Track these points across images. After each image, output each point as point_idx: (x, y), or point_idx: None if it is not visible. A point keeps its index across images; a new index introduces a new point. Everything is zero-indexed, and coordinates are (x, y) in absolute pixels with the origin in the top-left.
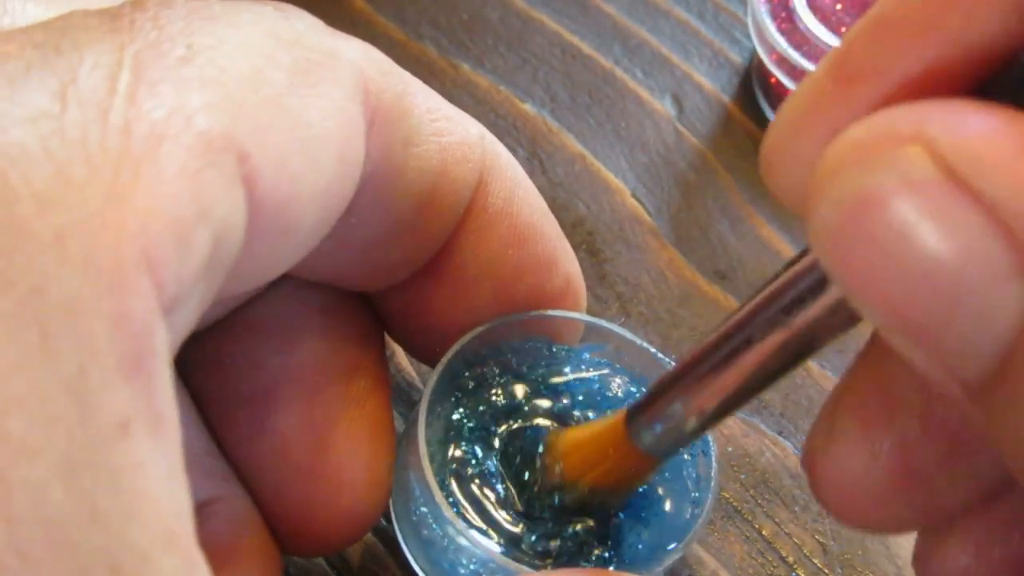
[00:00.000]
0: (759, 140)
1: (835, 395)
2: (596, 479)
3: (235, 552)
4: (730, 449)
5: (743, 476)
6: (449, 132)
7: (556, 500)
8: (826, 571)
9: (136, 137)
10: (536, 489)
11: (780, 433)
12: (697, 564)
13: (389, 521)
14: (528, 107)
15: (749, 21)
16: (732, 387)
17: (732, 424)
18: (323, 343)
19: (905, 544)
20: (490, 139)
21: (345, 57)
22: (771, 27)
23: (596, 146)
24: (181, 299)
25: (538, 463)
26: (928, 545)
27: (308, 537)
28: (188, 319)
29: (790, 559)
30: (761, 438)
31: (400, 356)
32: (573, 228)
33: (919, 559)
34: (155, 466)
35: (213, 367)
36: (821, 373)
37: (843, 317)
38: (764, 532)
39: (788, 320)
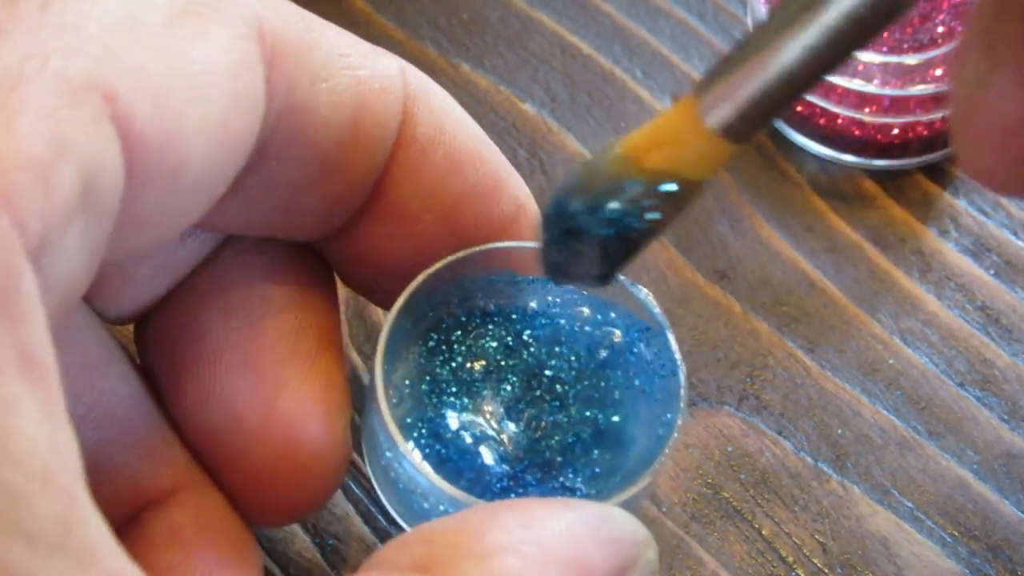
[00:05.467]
0: (758, 140)
1: (981, 19)
2: (663, 159)
3: (206, 543)
4: (730, 449)
5: (743, 476)
6: (363, 66)
7: (610, 199)
8: (826, 571)
9: None
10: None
11: (780, 433)
12: (697, 564)
13: (391, 522)
14: (528, 107)
15: (749, 21)
16: (822, 39)
17: (732, 424)
18: (266, 305)
19: (905, 544)
20: (414, 71)
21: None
22: None
23: (596, 146)
24: (51, 240)
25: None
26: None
27: (271, 503)
28: (70, 264)
29: (790, 559)
30: (761, 438)
31: (375, 311)
32: None
33: None
34: (28, 406)
35: (162, 345)
36: (821, 373)
37: None
38: (764, 532)
39: None
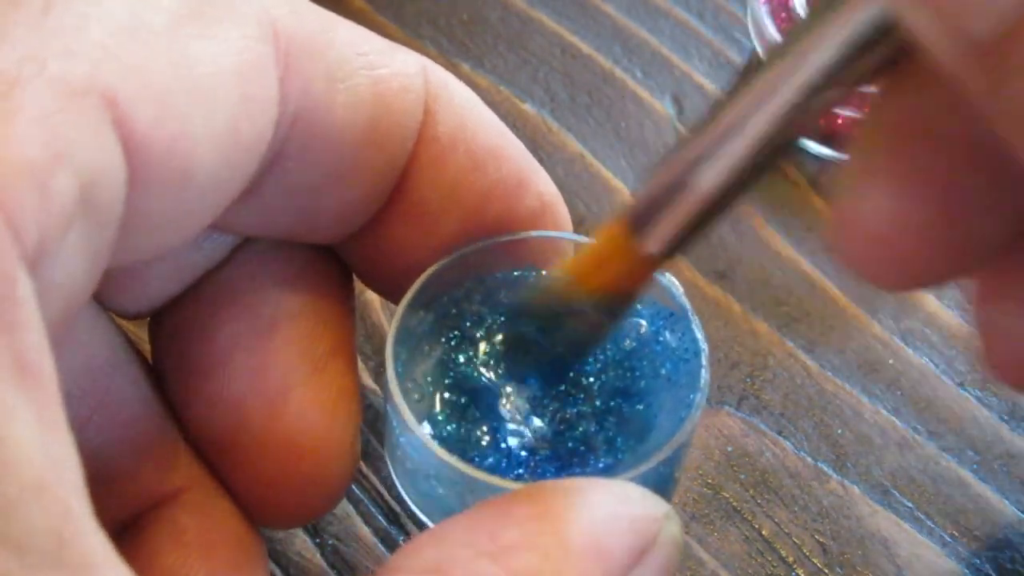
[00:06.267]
0: None
1: (861, 136)
2: (600, 284)
3: (209, 546)
4: (730, 449)
5: (743, 476)
6: (382, 64)
7: (552, 323)
8: (826, 571)
9: None
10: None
11: (780, 433)
12: (697, 564)
13: (392, 522)
14: (528, 107)
15: (749, 21)
16: (738, 156)
17: (732, 424)
18: (278, 308)
19: (904, 544)
20: (434, 68)
21: None
22: (771, 27)
23: (596, 146)
24: (49, 246)
25: (535, 294)
26: (988, 308)
27: (276, 507)
28: (70, 270)
29: (790, 559)
30: (761, 438)
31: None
32: (574, 228)
33: (984, 328)
34: (23, 414)
35: (174, 344)
36: (821, 373)
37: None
38: (764, 532)
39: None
